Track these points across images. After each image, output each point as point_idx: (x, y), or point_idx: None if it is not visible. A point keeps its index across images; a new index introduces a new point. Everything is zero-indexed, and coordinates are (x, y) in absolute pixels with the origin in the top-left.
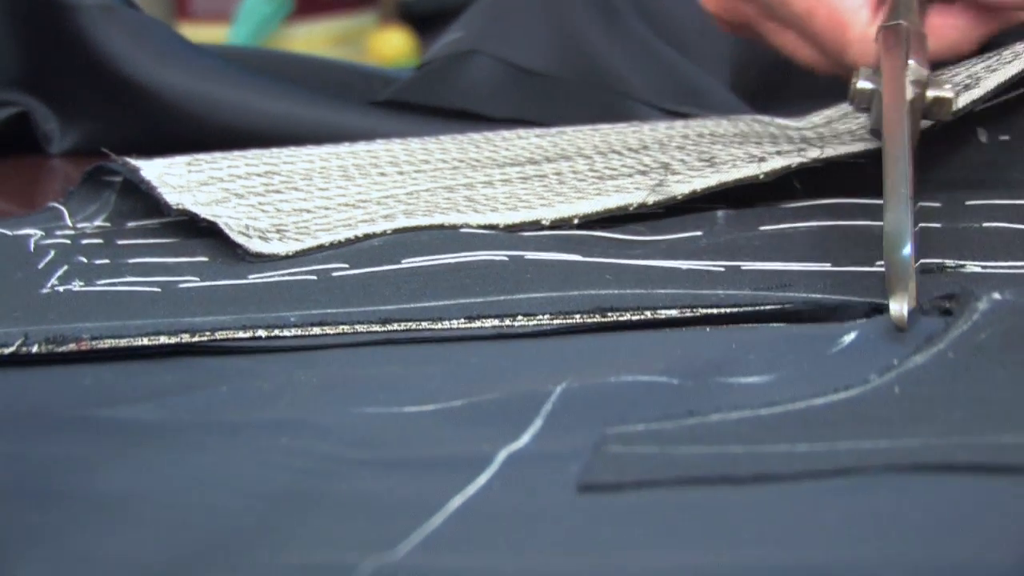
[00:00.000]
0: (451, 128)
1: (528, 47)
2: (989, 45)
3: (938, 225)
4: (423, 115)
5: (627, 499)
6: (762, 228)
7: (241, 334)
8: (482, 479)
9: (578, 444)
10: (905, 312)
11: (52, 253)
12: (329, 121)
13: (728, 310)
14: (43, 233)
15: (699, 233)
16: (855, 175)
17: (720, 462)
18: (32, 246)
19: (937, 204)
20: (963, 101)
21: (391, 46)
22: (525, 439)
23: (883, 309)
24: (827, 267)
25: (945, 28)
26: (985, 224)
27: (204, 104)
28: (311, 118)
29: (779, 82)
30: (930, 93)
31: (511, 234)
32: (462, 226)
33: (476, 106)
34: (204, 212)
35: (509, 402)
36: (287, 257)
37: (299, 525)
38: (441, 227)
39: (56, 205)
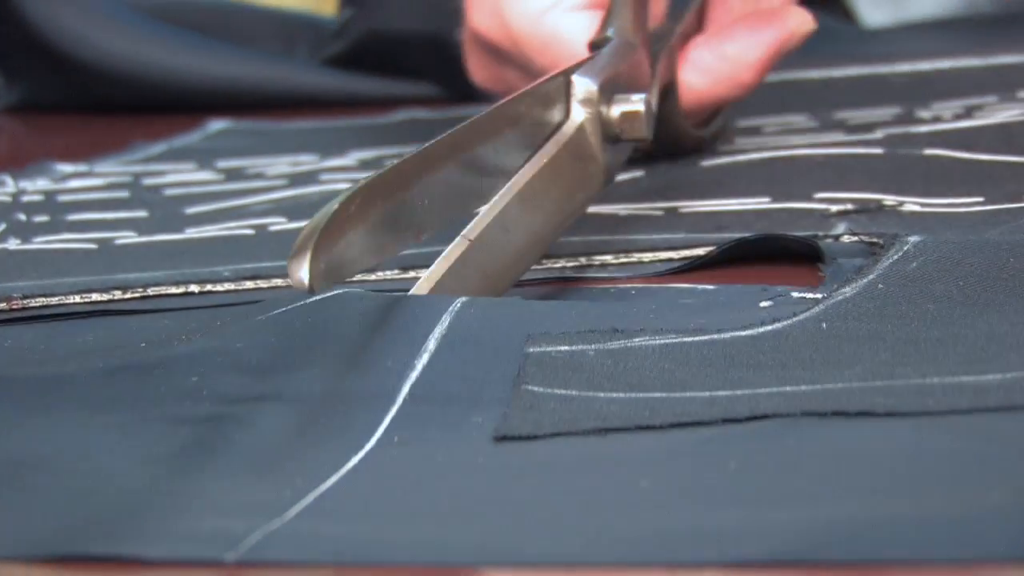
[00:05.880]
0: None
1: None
2: None
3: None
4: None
5: (539, 451)
6: (703, 164)
7: (174, 290)
8: (378, 433)
9: (479, 373)
10: (304, 277)
11: None
12: (273, 78)
13: (662, 255)
14: None
15: (641, 173)
16: None
17: (639, 410)
18: None
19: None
20: None
21: None
22: (424, 357)
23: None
24: (765, 202)
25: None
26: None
27: (140, 68)
28: (251, 78)
29: None
30: (615, 109)
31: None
32: None
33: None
34: None
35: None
36: (227, 211)
37: (191, 490)
38: None
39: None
